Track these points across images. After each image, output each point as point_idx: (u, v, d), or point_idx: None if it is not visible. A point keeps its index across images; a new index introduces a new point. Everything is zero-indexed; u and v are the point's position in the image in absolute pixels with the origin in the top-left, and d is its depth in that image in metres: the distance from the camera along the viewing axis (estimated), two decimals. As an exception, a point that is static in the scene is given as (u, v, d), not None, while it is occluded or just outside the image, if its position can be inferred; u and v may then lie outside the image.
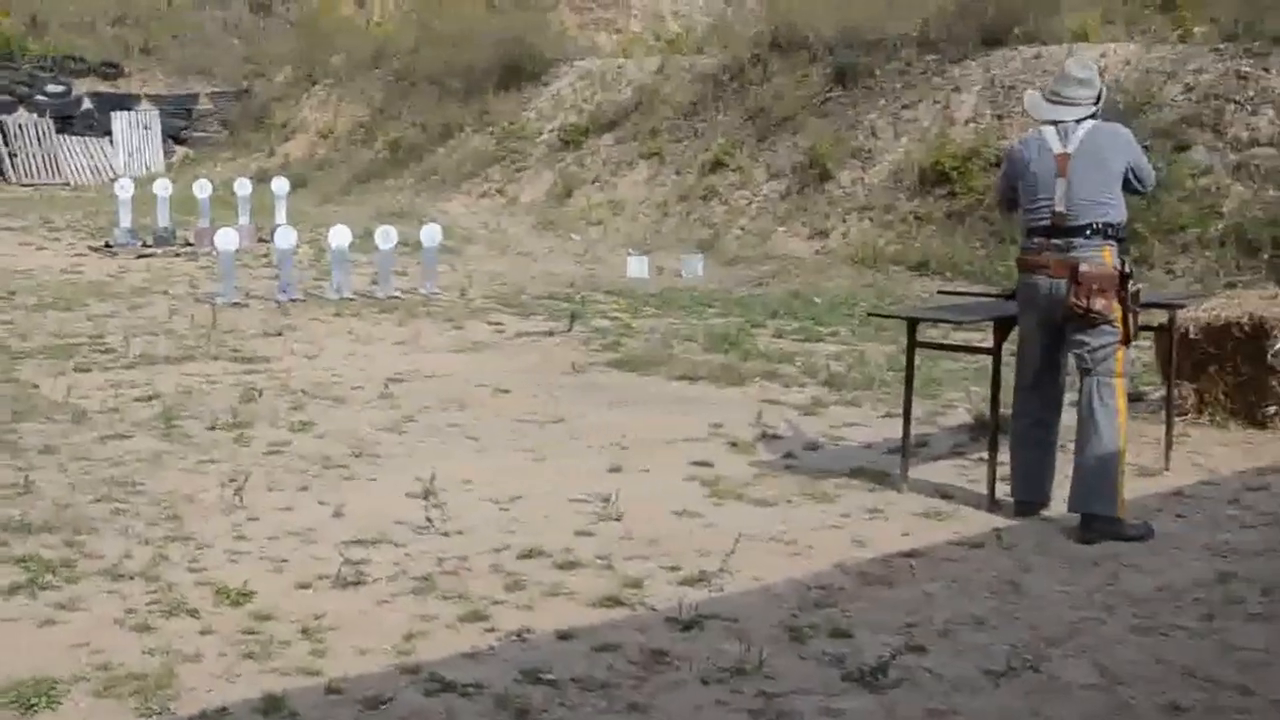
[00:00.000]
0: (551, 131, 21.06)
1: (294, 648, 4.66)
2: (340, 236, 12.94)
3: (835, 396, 9.09)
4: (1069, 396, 6.55)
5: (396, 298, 12.95)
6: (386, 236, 13.15)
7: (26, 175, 25.63)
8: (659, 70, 20.73)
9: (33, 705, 4.15)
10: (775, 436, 7.95)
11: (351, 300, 12.71)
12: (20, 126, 26.25)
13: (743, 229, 16.74)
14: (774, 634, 4.83)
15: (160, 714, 4.14)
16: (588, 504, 6.43)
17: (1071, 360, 6.34)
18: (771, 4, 20.62)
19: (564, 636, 4.79)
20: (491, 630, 4.85)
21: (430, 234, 13.61)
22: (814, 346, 10.94)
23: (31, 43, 28.33)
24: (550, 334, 11.30)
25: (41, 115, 26.78)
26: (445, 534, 5.93)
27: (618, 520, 6.18)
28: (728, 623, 4.92)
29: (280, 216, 16.74)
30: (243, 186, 17.24)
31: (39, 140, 26.23)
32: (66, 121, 27.09)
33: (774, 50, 19.23)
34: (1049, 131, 6.23)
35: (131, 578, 5.32)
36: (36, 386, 8.87)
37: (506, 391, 9.07)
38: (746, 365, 9.99)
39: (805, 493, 6.73)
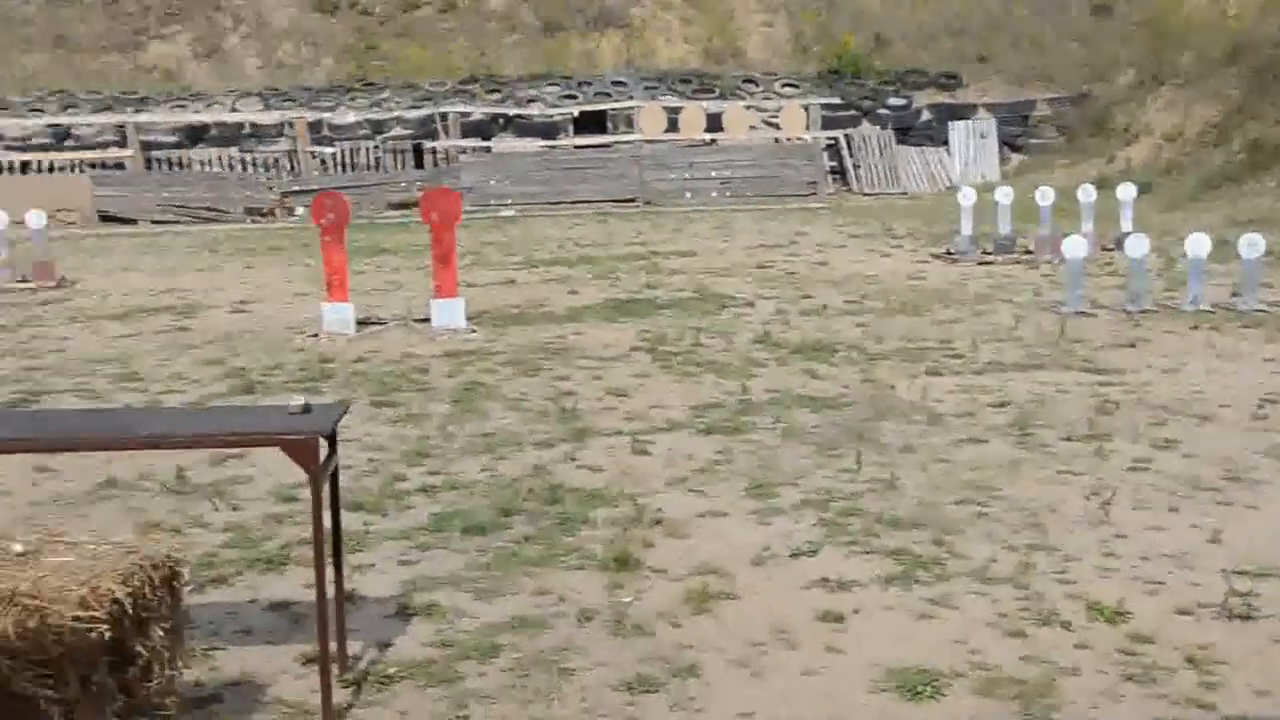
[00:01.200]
0: None
1: (1179, 676, 4.45)
2: (1199, 245, 12.27)
3: None
4: None
5: (1263, 311, 12.02)
6: (1253, 245, 12.26)
7: (869, 185, 27.46)
8: None
9: (918, 694, 4.34)
10: None
11: (1210, 313, 12.01)
12: (864, 139, 28.21)
13: None
14: None
15: (1042, 723, 4.11)
16: None
17: None
18: None
19: None
20: None
21: (1300, 243, 12.54)
22: None
23: (875, 59, 30.01)
24: None
25: (883, 128, 28.65)
26: (1348, 575, 5.36)
27: None
28: None
29: (1127, 224, 16.33)
30: (1086, 193, 16.95)
31: (880, 151, 28.05)
32: (905, 133, 28.85)
33: None
34: None
35: (999, 582, 5.36)
36: (893, 387, 9.21)
37: None
38: None
39: None
